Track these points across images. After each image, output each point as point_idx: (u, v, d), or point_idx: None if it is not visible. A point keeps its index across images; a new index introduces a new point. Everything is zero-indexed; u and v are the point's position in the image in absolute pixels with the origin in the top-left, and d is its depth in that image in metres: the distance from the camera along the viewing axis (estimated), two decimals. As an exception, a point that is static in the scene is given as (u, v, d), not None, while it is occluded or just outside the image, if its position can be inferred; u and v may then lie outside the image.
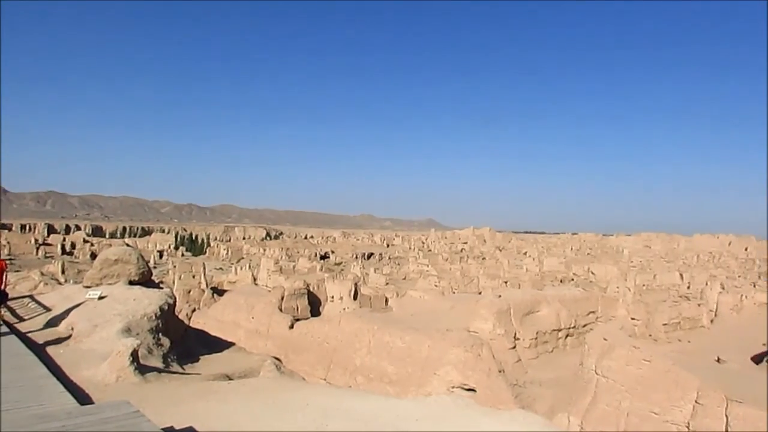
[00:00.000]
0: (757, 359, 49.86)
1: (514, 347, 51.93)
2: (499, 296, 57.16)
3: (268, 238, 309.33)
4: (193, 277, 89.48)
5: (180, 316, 65.26)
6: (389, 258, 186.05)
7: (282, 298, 68.23)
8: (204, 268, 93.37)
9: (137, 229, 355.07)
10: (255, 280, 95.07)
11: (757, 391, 35.50)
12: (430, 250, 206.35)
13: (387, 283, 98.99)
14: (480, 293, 77.84)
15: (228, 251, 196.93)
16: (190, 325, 64.42)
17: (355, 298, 72.76)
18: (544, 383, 46.19)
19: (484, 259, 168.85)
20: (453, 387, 44.46)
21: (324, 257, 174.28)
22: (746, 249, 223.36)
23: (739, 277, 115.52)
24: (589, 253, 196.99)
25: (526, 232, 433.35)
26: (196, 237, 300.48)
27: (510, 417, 17.51)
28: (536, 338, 54.49)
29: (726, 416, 32.78)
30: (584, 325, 59.08)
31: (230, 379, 23.37)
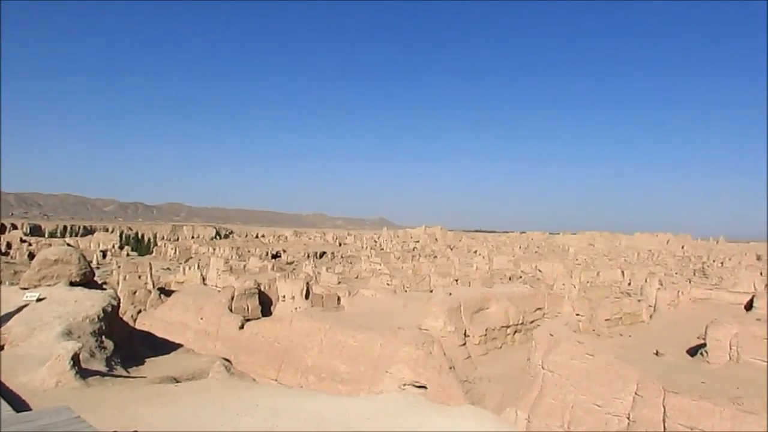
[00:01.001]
0: (692, 352, 52.44)
1: (465, 344, 52.77)
2: (450, 294, 57.95)
3: (217, 237, 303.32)
4: (139, 277, 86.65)
5: (125, 318, 63.45)
6: (341, 257, 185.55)
7: (232, 298, 67.04)
8: (150, 268, 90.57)
9: (79, 228, 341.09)
10: (204, 280, 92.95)
11: (692, 382, 37.38)
12: (382, 249, 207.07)
13: (339, 282, 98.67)
14: (431, 291, 78.69)
15: (176, 251, 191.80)
16: (136, 326, 62.76)
17: (306, 297, 72.22)
18: (493, 379, 47.16)
19: (435, 257, 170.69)
20: (405, 384, 44.87)
21: (275, 256, 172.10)
22: (683, 247, 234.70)
23: (676, 273, 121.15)
24: (537, 252, 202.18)
25: (477, 231, 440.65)
26: (142, 236, 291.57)
27: (460, 413, 17.90)
28: (486, 335, 55.53)
29: (663, 406, 34.37)
30: (532, 322, 60.63)
31: (177, 381, 22.88)
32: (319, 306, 72.17)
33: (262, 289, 74.53)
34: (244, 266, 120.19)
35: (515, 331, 59.59)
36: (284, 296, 72.80)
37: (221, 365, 23.56)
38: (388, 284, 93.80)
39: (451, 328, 52.58)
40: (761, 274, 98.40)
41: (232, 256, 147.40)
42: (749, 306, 77.63)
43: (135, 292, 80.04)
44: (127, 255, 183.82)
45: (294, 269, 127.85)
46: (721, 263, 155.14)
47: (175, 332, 63.27)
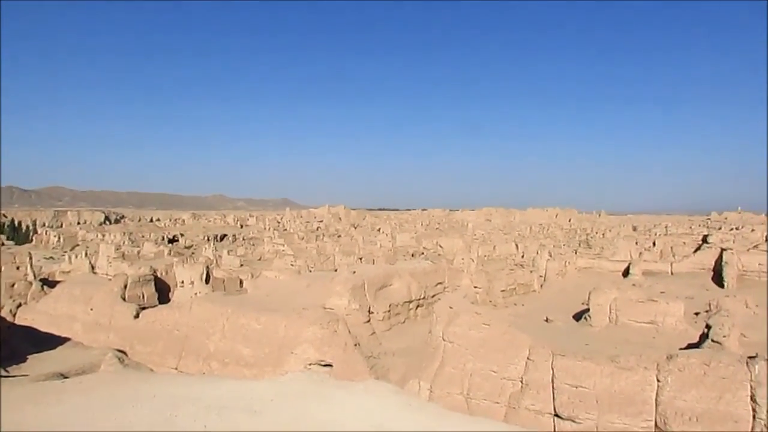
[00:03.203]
0: (578, 317, 56.92)
1: (369, 321, 53.65)
2: (354, 272, 58.52)
3: (107, 222, 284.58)
4: (17, 268, 79.50)
5: (2, 314, 58.22)
6: (243, 239, 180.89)
7: (125, 286, 63.44)
8: (30, 258, 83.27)
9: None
10: (93, 268, 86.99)
11: (577, 345, 40.64)
12: (285, 230, 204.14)
13: (242, 265, 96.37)
14: (336, 270, 79.00)
15: (60, 238, 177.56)
16: (15, 322, 57.97)
17: (207, 281, 69.91)
18: (397, 353, 48.42)
19: (339, 236, 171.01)
20: (310, 364, 44.98)
21: (172, 241, 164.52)
22: (570, 220, 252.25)
23: (563, 245, 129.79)
24: (438, 228, 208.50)
25: (380, 210, 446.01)
26: (20, 223, 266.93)
27: (363, 387, 18.33)
28: (389, 311, 56.76)
29: (552, 369, 37.08)
30: (433, 296, 62.72)
31: (65, 377, 21.41)
32: (220, 290, 70.19)
33: (159, 275, 71.16)
34: (138, 252, 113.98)
35: (417, 306, 61.41)
36: (183, 282, 70.00)
37: (114, 357, 22.36)
38: (292, 265, 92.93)
39: (356, 306, 53.20)
40: (636, 243, 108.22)
41: (124, 242, 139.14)
42: (626, 273, 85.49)
43: (13, 285, 73.38)
44: (2, 244, 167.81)
45: (193, 253, 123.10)
46: (603, 235, 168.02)
47: (62, 325, 59.11)
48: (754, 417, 30.18)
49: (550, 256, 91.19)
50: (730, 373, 31.43)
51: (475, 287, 69.93)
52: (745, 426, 30.29)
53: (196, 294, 65.67)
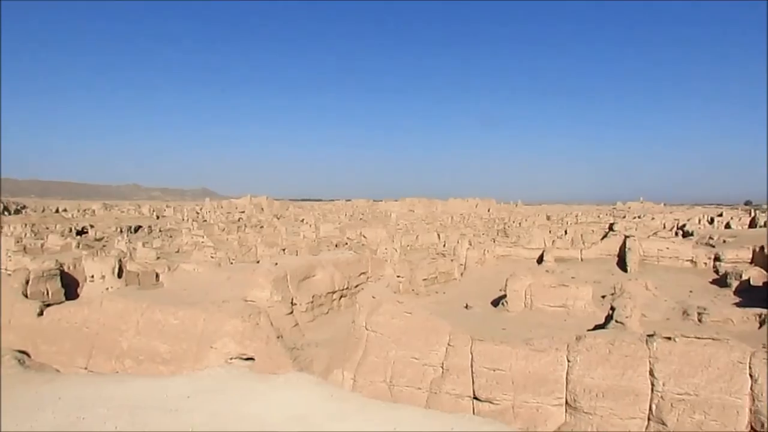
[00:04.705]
0: (496, 303, 59.12)
1: (292, 312, 53.10)
2: (276, 264, 57.66)
3: (6, 213, 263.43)
4: None
5: None
6: (160, 230, 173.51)
7: (27, 282, 59.07)
8: None
9: None
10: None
11: (495, 330, 42.21)
12: (205, 221, 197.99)
13: (158, 258, 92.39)
14: (258, 262, 77.52)
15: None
16: None
17: (119, 275, 66.47)
18: (320, 344, 48.24)
19: (262, 227, 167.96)
20: (231, 358, 43.93)
21: (81, 233, 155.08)
22: (489, 210, 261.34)
23: (483, 234, 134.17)
24: (362, 218, 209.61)
25: (304, 200, 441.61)
26: None
27: (284, 380, 18.11)
28: (312, 302, 56.44)
29: (471, 353, 38.28)
30: (356, 286, 62.97)
31: (-45, 382, 19.63)
32: (134, 284, 66.90)
33: (66, 269, 66.80)
34: (42, 245, 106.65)
35: (341, 296, 61.45)
36: (92, 276, 66.13)
37: (13, 359, 20.81)
38: (212, 257, 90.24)
39: (278, 298, 52.46)
40: (549, 232, 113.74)
41: (25, 234, 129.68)
42: (540, 260, 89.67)
43: None
44: None
45: (104, 246, 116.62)
46: (519, 224, 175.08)
47: (-47, 326, 54.31)
48: (652, 390, 32.64)
49: (470, 244, 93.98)
50: (632, 350, 33.75)
51: (398, 276, 70.87)
52: (644, 398, 32.67)
53: (107, 289, 62.33)
